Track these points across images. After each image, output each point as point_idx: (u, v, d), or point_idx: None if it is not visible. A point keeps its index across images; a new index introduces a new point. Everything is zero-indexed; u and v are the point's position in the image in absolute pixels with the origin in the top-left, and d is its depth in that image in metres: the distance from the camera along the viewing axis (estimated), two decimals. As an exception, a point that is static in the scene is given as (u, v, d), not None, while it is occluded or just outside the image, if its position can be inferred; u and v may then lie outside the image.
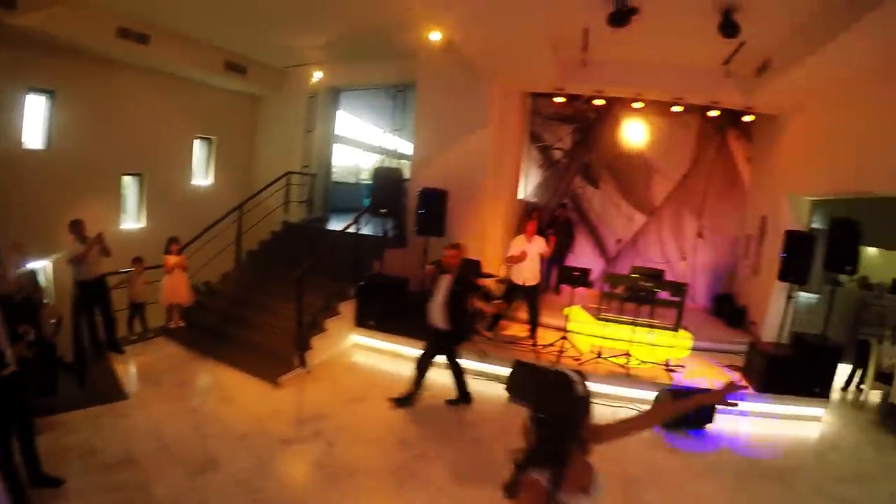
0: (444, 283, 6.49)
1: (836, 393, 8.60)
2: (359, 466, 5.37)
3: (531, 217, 8.94)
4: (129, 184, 11.96)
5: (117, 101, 10.92)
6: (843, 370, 8.75)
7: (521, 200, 12.32)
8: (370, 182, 9.82)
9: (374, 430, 6.14)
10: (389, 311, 8.56)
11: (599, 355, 8.18)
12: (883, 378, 8.16)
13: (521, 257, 8.42)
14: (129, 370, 7.42)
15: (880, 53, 6.62)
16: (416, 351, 8.20)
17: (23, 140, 9.70)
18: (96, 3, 8.96)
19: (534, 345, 8.54)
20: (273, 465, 5.33)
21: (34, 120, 9.92)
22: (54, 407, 5.92)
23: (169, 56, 10.70)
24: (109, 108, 10.80)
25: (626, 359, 8.02)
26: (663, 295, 8.88)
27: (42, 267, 9.74)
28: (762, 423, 7.15)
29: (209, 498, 4.67)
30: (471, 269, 7.00)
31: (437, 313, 6.53)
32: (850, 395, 8.83)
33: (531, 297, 8.75)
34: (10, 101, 9.34)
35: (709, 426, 6.80)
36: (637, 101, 10.38)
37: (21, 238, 7.20)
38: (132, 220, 12.02)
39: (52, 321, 6.55)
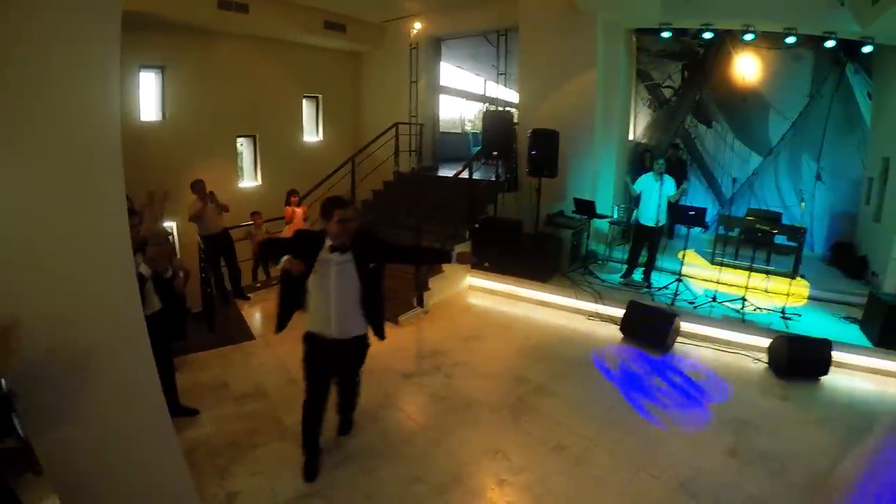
0: (340, 268, 4.01)
1: None
2: (477, 399, 5.62)
3: (657, 157, 8.89)
4: (243, 145, 12.60)
5: (224, 69, 11.44)
6: None
7: (631, 142, 12.08)
8: (480, 127, 9.91)
9: (490, 366, 6.37)
10: (504, 253, 8.70)
11: (714, 299, 8.05)
12: None
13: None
14: (255, 314, 7.95)
15: None
16: (529, 291, 8.47)
17: (140, 114, 10.36)
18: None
19: (649, 287, 8.54)
20: (396, 396, 5.66)
21: (149, 95, 10.61)
22: (188, 348, 6.43)
23: (269, 21, 11.09)
24: (217, 77, 11.34)
25: (741, 304, 7.88)
26: (780, 239, 8.62)
27: (169, 226, 10.46)
28: (880, 380, 6.74)
29: (335, 428, 4.99)
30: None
31: (342, 318, 4.09)
32: None
33: (655, 239, 8.67)
34: (125, 79, 9.80)
35: (823, 378, 6.56)
36: (747, 33, 9.91)
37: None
38: (249, 179, 12.70)
39: (181, 274, 7.08)
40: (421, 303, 7.79)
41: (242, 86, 11.86)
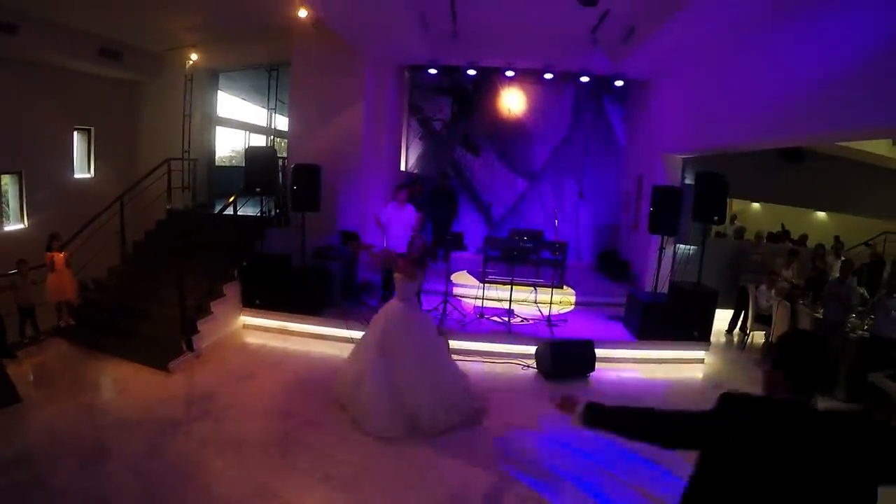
0: None
1: (720, 336, 9.47)
2: (245, 439, 5.57)
3: (403, 187, 9.14)
4: (7, 183, 11.45)
5: (-14, 97, 10.37)
6: (726, 315, 9.66)
7: (403, 172, 12.60)
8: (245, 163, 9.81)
9: (260, 404, 6.33)
10: (274, 288, 8.65)
11: (481, 315, 8.63)
12: (763, 320, 9.00)
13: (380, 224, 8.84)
14: (23, 374, 7.25)
15: (732, 18, 7.25)
16: (302, 325, 8.50)
17: None
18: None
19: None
20: (163, 447, 5.44)
21: None
22: None
23: (40, 45, 10.23)
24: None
25: (507, 317, 8.51)
26: (546, 254, 9.41)
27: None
28: (645, 368, 7.82)
29: (105, 484, 4.78)
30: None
31: None
32: (735, 338, 9.68)
33: None
34: None
35: (592, 374, 7.38)
36: (509, 69, 10.76)
37: None
38: (15, 221, 11.54)
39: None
40: (190, 346, 7.54)
41: (7, 116, 10.79)
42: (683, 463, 2.44)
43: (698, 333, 8.19)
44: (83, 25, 10.68)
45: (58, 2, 9.37)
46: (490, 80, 12.14)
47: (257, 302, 8.75)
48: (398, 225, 8.68)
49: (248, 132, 15.18)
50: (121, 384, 6.90)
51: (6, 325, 7.95)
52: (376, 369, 5.77)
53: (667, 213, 8.50)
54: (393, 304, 6.05)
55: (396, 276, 5.95)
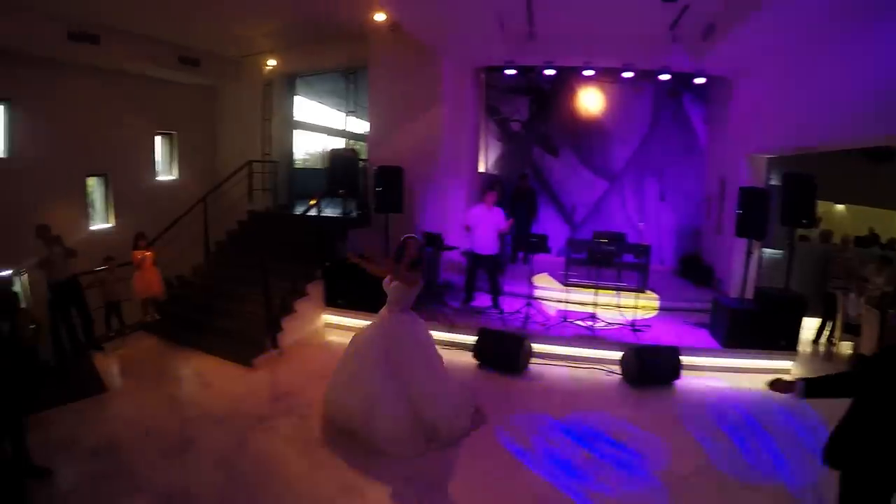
0: None
1: (806, 346, 8.84)
2: (331, 437, 5.54)
3: (492, 189, 9.03)
4: (94, 185, 11.92)
5: (74, 103, 10.84)
6: (812, 324, 9.05)
7: (482, 174, 12.48)
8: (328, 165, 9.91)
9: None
10: (357, 288, 8.61)
11: (565, 319, 8.41)
12: (851, 329, 8.45)
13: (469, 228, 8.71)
14: (109, 365, 7.50)
15: (815, 16, 6.80)
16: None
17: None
18: (42, 7, 8.85)
19: (500, 313, 8.68)
20: (248, 442, 5.47)
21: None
22: (40, 404, 6.00)
23: (121, 54, 10.61)
24: (67, 112, 10.72)
25: (591, 321, 8.25)
26: (628, 257, 9.12)
27: (15, 274, 9.69)
28: (730, 377, 7.38)
29: (187, 476, 4.82)
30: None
31: None
32: (821, 348, 9.08)
33: (489, 267, 8.85)
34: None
35: (676, 382, 7.05)
36: (587, 69, 10.53)
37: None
38: (101, 221, 12.01)
39: (31, 326, 6.56)
40: (275, 344, 7.60)
41: (94, 121, 11.28)
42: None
43: (785, 342, 7.71)
44: (162, 34, 11.03)
45: (137, 12, 9.65)
46: (568, 80, 11.87)
47: (340, 302, 8.80)
48: (486, 227, 8.57)
49: (325, 135, 15.37)
50: (205, 378, 7.03)
51: (93, 319, 8.24)
52: (389, 390, 5.38)
53: (755, 215, 8.10)
54: (388, 317, 5.70)
55: (393, 283, 5.58)
